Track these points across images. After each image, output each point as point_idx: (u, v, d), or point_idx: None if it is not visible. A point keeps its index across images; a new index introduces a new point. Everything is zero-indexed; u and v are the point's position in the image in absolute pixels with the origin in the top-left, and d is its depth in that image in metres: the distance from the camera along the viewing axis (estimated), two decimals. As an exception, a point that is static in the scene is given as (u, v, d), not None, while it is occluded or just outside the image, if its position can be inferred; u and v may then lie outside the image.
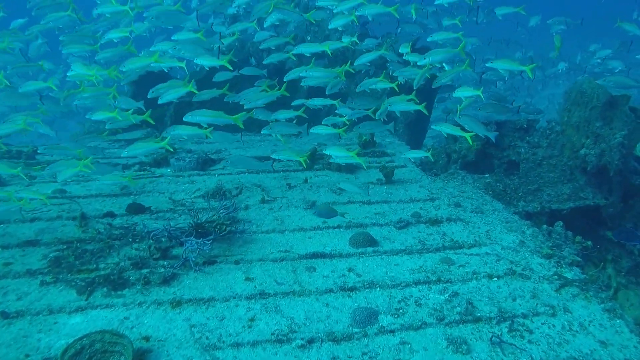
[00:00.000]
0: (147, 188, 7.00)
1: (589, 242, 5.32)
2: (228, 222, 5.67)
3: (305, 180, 6.96)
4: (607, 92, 6.21)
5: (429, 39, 8.32)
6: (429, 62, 6.57)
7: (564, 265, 4.97)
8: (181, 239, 5.30)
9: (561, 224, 5.48)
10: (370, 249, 5.32)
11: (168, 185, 7.06)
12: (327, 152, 6.47)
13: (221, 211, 5.86)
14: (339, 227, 5.81)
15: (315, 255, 5.23)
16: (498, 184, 6.83)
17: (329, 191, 6.72)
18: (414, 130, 9.86)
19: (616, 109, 6.18)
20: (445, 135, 6.44)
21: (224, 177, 7.41)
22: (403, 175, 7.21)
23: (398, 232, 5.69)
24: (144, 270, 4.95)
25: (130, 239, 5.57)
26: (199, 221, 5.40)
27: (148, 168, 7.75)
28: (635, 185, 6.41)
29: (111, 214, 6.20)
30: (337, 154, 6.38)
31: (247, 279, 4.85)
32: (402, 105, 6.45)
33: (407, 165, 7.52)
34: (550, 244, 5.24)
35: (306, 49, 7.70)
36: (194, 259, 5.06)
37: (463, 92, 6.44)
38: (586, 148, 6.32)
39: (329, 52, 7.62)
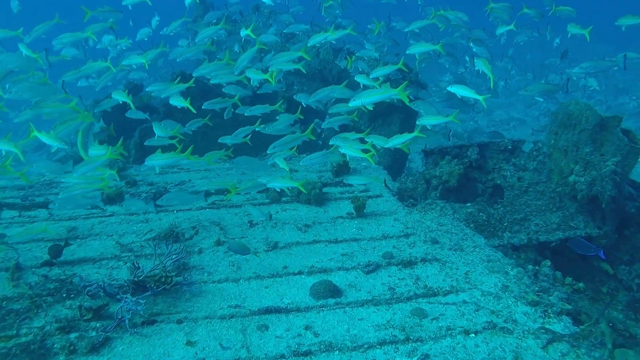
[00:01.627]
0: (96, 230, 6.37)
1: (581, 284, 4.69)
2: (174, 273, 5.03)
3: (270, 217, 6.34)
4: (596, 113, 5.62)
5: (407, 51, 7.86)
6: (359, 104, 6.05)
7: (551, 315, 4.33)
8: (117, 296, 4.67)
9: (548, 263, 4.84)
10: (332, 301, 4.68)
11: (119, 226, 6.43)
12: (263, 180, 5.98)
13: (167, 260, 5.24)
14: (300, 273, 5.18)
15: (269, 311, 4.60)
16: (481, 214, 6.20)
17: (295, 229, 6.10)
18: (397, 151, 9.25)
19: (607, 132, 5.57)
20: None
21: (182, 213, 6.79)
22: (377, 206, 6.59)
23: (366, 278, 5.06)
24: (72, 335, 4.31)
25: (64, 295, 4.94)
26: (138, 277, 4.77)
27: (100, 205, 7.13)
28: (631, 214, 5.78)
29: (49, 263, 5.57)
30: (275, 184, 5.92)
31: (189, 343, 4.21)
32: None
33: (383, 194, 6.90)
34: (537, 288, 4.60)
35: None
36: (131, 319, 4.43)
37: (428, 121, 5.97)
38: (575, 175, 5.70)
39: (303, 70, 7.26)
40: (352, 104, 5.95)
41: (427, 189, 7.10)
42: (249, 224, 6.27)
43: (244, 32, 8.10)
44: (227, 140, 6.97)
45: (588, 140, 5.63)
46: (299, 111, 7.15)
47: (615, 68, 9.39)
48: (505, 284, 4.78)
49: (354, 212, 6.25)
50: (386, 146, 5.99)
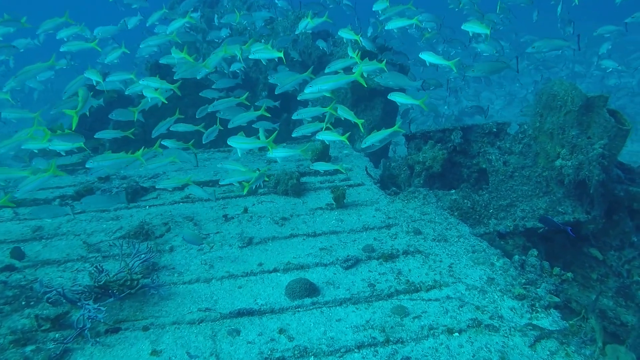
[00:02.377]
0: (63, 229, 6.04)
1: (569, 274, 4.45)
2: (140, 275, 4.73)
3: (245, 210, 6.04)
4: (582, 94, 5.32)
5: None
6: (315, 90, 5.76)
7: (539, 309, 4.09)
8: (79, 303, 4.36)
9: (535, 253, 4.60)
10: (308, 301, 4.41)
11: (88, 224, 6.10)
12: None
13: (134, 261, 4.93)
14: (275, 270, 4.90)
15: (241, 313, 4.32)
16: (465, 201, 5.93)
17: (271, 222, 5.80)
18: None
19: (594, 113, 5.28)
20: None
21: (155, 208, 6.47)
22: (359, 196, 6.30)
23: (345, 274, 4.79)
24: (28, 348, 4.01)
25: (23, 303, 4.64)
26: (98, 283, 4.46)
27: (70, 202, 6.78)
28: (620, 197, 5.53)
29: (10, 268, 5.25)
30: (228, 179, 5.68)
31: (154, 352, 3.93)
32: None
33: (365, 182, 6.60)
34: (524, 280, 4.35)
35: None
36: (93, 328, 4.14)
37: (399, 98, 5.72)
38: (562, 159, 5.43)
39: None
40: (308, 90, 5.70)
41: (411, 175, 6.82)
42: (224, 218, 5.96)
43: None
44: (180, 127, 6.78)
45: (574, 122, 5.35)
46: (262, 108, 6.80)
47: (574, 49, 9.12)
48: (491, 277, 4.53)
49: (333, 202, 5.95)
50: (363, 147, 5.70)
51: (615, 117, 5.22)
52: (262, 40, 8.34)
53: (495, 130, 6.58)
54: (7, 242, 5.79)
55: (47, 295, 4.52)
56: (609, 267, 5.57)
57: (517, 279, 4.42)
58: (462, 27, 7.50)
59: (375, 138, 5.68)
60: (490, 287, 4.41)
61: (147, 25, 10.83)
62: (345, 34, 7.38)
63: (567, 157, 5.38)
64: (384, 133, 5.62)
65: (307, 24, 7.75)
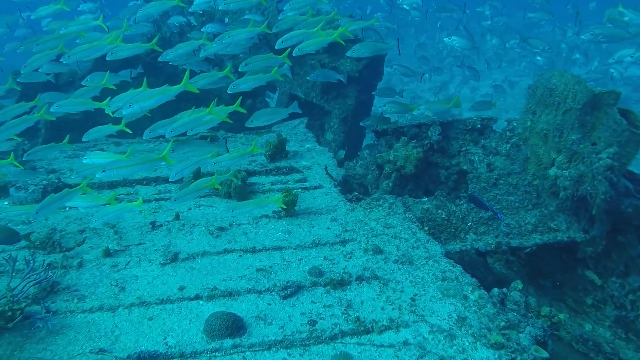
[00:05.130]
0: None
1: (562, 316, 3.53)
2: (24, 304, 3.76)
3: (177, 217, 5.06)
4: (587, 88, 4.31)
5: None
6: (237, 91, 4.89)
7: (521, 365, 3.17)
8: None
9: (520, 286, 3.67)
10: (229, 343, 3.47)
11: (-10, 229, 5.09)
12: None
13: (26, 283, 3.96)
14: (197, 298, 3.94)
15: (142, 358, 3.38)
16: (439, 211, 4.99)
17: (206, 233, 4.83)
18: (352, 127, 7.95)
19: (601, 113, 4.27)
20: None
21: (74, 211, 5.48)
22: (314, 201, 5.32)
23: (282, 305, 3.84)
24: None
25: None
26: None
27: (-24, 201, 5.77)
28: (627, 214, 4.54)
29: None
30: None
31: (16, 415, 2.98)
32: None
33: (323, 184, 5.63)
34: (503, 323, 3.43)
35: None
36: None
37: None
38: (557, 167, 4.46)
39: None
40: (230, 90, 4.87)
41: (379, 176, 5.86)
42: (150, 226, 4.99)
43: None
44: None
45: (575, 123, 4.37)
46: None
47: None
48: (463, 315, 3.60)
49: (281, 209, 4.99)
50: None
51: (628, 119, 4.21)
52: None
53: (479, 126, 5.62)
54: None
55: None
56: (610, 296, 4.66)
57: (494, 319, 3.49)
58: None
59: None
60: (461, 329, 3.48)
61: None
62: None
63: (564, 165, 4.41)
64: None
65: None
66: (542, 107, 4.72)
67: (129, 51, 5.70)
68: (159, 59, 6.33)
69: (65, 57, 5.92)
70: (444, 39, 12.00)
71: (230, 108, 4.94)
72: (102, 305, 3.92)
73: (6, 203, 5.73)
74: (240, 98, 5.15)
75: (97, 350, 3.50)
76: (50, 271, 4.20)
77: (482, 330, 3.44)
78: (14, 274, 4.14)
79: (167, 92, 4.53)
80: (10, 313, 3.68)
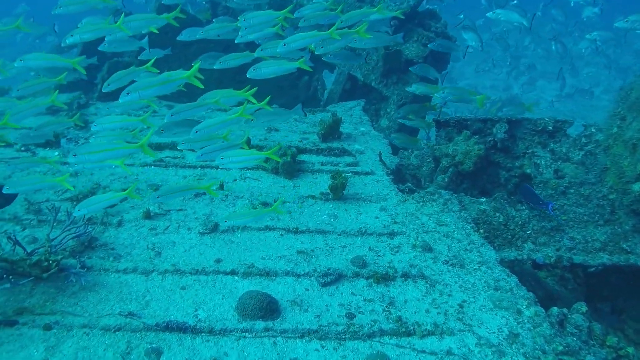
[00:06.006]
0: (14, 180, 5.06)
1: (630, 349, 3.16)
2: (61, 256, 3.70)
3: (221, 186, 4.91)
4: None
5: None
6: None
7: (578, 397, 2.85)
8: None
9: (584, 309, 3.31)
10: (261, 325, 3.29)
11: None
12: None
13: (65, 235, 3.91)
14: (233, 273, 3.78)
15: (170, 327, 3.26)
16: (497, 214, 4.63)
17: (249, 206, 4.66)
18: (412, 114, 7.58)
19: None
20: None
21: (121, 169, 5.41)
22: (364, 187, 5.06)
23: (320, 292, 3.63)
24: None
25: None
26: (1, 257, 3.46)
27: (32, 148, 5.82)
28: None
29: None
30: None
31: (41, 366, 2.92)
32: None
33: (376, 171, 5.34)
34: (561, 347, 3.09)
35: None
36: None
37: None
38: (645, 183, 4.01)
39: None
40: (250, 74, 4.46)
41: (435, 169, 5.52)
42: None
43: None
44: None
45: (674, 134, 3.92)
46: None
47: None
48: (515, 331, 3.28)
49: (329, 192, 4.75)
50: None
51: None
52: None
53: (550, 128, 5.18)
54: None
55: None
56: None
57: (551, 342, 3.16)
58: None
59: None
60: (512, 347, 3.17)
61: None
62: None
63: (653, 181, 3.96)
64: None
65: None
66: (635, 113, 4.25)
67: None
68: None
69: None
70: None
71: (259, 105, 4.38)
72: (136, 268, 3.82)
73: (56, 154, 5.75)
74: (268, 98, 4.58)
75: (127, 313, 3.40)
76: (89, 226, 4.15)
77: (536, 352, 3.11)
78: (55, 224, 4.13)
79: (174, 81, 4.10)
80: (46, 263, 3.63)
